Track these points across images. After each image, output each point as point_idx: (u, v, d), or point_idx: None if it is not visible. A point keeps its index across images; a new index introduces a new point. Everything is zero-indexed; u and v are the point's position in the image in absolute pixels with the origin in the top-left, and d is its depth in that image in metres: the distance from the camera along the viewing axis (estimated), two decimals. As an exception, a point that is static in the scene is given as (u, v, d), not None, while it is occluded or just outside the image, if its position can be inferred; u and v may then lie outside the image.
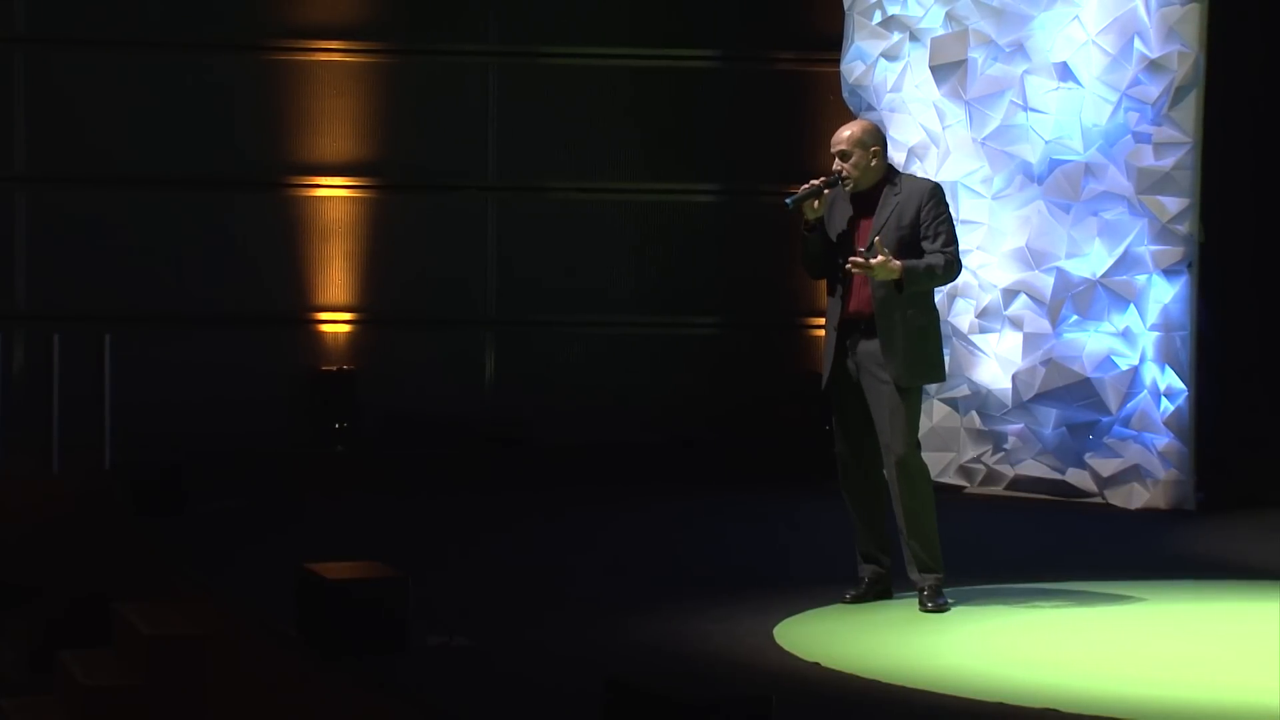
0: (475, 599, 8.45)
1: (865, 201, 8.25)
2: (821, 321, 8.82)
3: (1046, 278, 12.30)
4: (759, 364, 15.12)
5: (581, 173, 15.13)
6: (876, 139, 8.28)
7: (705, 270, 15.25)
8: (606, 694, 5.57)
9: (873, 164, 8.24)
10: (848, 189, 8.24)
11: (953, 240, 8.19)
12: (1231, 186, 12.25)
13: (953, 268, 8.18)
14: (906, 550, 8.17)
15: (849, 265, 8.05)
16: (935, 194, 8.22)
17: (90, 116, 14.59)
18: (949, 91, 12.65)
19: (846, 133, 8.26)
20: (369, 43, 14.94)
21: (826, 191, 8.21)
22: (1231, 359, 12.31)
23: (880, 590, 8.35)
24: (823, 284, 8.39)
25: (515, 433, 14.67)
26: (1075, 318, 12.21)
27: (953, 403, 12.77)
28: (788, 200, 8.18)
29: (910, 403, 8.15)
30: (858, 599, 8.29)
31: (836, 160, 8.23)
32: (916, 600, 8.14)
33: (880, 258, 7.97)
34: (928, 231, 8.15)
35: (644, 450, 14.41)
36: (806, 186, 8.17)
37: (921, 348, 8.19)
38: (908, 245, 8.12)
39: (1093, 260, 12.15)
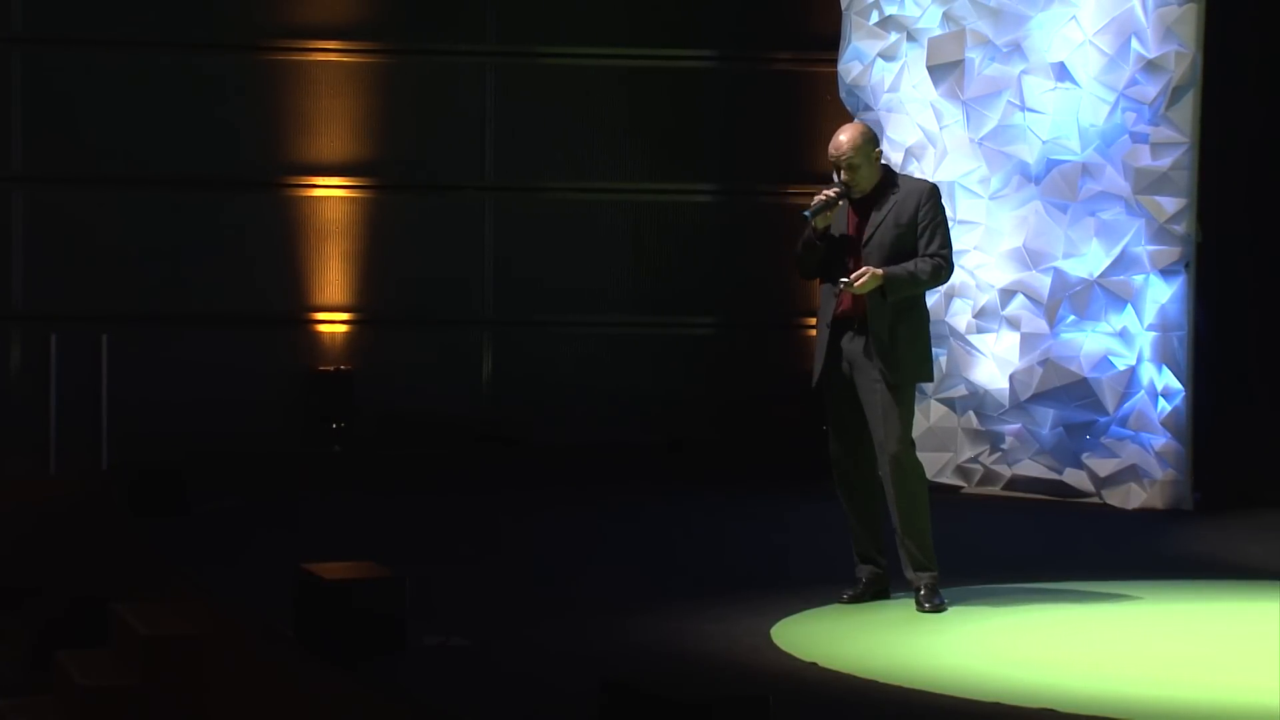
0: (473, 599, 8.45)
1: (864, 201, 8.26)
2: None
3: (1044, 278, 12.29)
4: (756, 364, 15.12)
5: (579, 173, 15.13)
6: (876, 142, 8.33)
7: (703, 270, 15.24)
8: (604, 694, 5.57)
9: (875, 166, 8.27)
10: (855, 196, 8.26)
11: (947, 243, 8.23)
12: (1229, 186, 12.25)
13: (942, 271, 8.21)
14: (902, 549, 8.18)
15: (839, 287, 8.09)
16: (933, 195, 8.26)
17: (87, 116, 14.58)
18: (946, 91, 12.65)
19: (845, 141, 8.23)
20: (366, 43, 14.94)
21: (841, 203, 8.23)
22: (1228, 359, 12.30)
23: (877, 590, 8.35)
24: (817, 284, 8.41)
25: (512, 433, 14.67)
26: (1072, 318, 12.21)
27: (950, 403, 12.77)
28: (806, 213, 8.18)
29: (903, 401, 8.16)
30: (855, 599, 8.30)
31: (844, 172, 8.21)
32: (913, 600, 8.15)
33: (862, 272, 8.01)
34: (924, 232, 8.18)
35: (641, 450, 14.40)
36: (821, 198, 8.17)
37: (913, 347, 8.21)
38: (904, 243, 8.16)
39: (1090, 260, 12.15)
